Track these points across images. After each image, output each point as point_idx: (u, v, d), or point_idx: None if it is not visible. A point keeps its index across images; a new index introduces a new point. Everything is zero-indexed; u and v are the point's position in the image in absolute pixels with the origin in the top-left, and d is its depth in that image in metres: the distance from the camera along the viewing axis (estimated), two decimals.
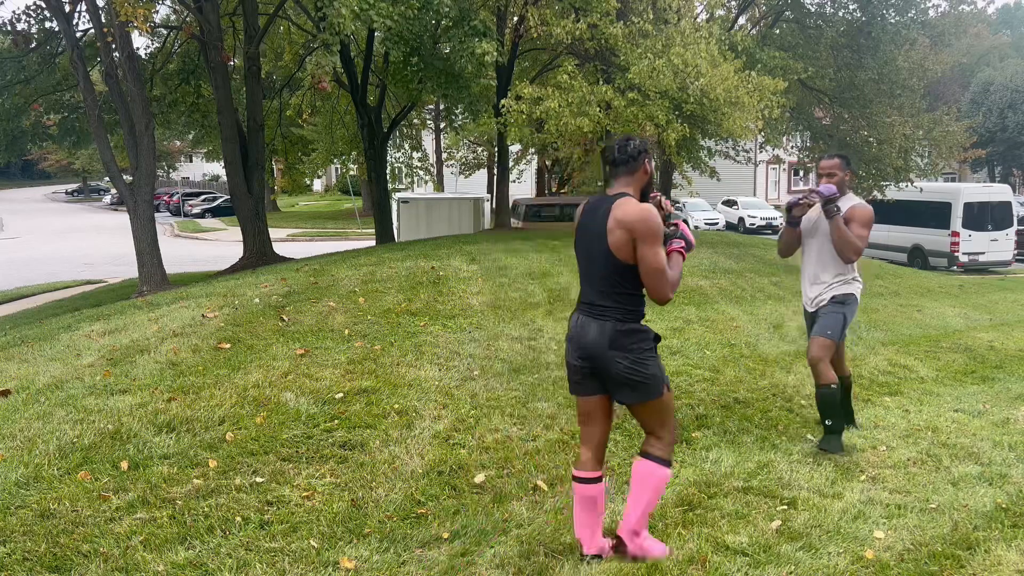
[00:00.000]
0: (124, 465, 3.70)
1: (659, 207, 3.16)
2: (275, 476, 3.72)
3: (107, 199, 53.23)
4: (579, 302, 3.19)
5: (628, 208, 3.00)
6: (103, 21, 12.69)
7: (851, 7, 15.82)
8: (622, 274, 3.03)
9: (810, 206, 4.47)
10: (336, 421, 4.36)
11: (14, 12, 15.83)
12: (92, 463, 3.72)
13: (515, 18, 16.18)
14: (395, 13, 10.51)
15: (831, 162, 4.43)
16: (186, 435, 4.07)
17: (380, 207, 18.07)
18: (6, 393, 4.74)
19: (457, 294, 7.51)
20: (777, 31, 16.67)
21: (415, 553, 3.14)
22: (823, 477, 3.98)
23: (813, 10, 16.40)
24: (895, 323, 8.43)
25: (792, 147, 19.45)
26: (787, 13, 16.36)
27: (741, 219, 30.67)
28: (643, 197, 3.16)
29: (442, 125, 28.64)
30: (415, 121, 25.10)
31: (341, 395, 4.73)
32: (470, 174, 32.84)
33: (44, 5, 14.32)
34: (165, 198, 44.17)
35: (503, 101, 12.37)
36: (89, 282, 18.14)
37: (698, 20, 13.82)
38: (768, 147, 17.91)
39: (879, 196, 16.80)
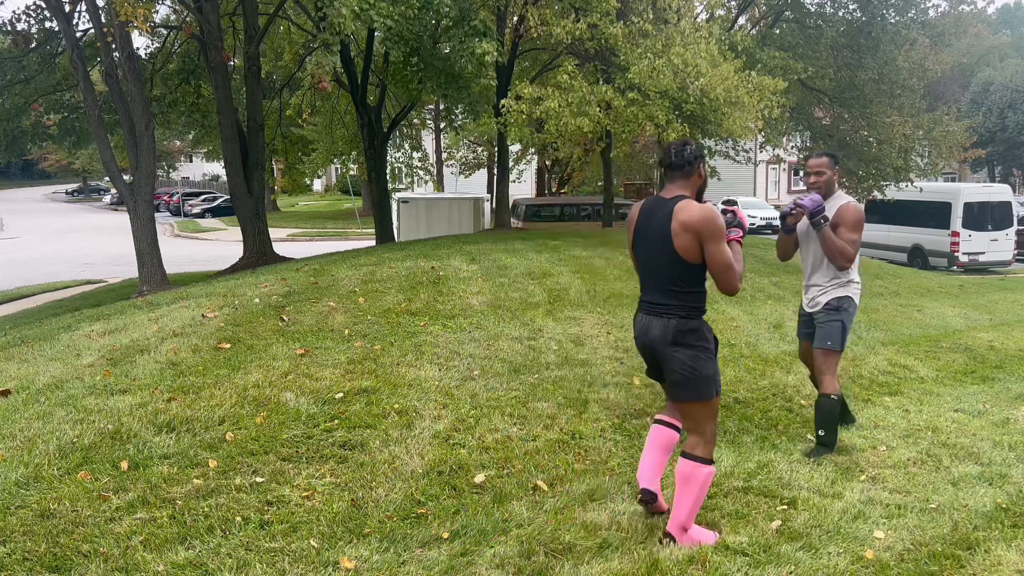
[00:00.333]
0: (124, 465, 3.70)
1: None
2: (275, 476, 3.72)
3: (107, 199, 53.26)
4: (641, 301, 3.36)
5: (692, 211, 3.14)
6: (103, 21, 12.69)
7: (851, 7, 15.81)
8: (686, 274, 3.19)
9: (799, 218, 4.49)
10: (336, 421, 4.36)
11: (14, 12, 15.81)
12: (92, 463, 3.72)
13: (515, 18, 16.18)
14: (395, 13, 10.50)
15: (819, 160, 4.44)
16: (186, 435, 4.07)
17: (380, 207, 18.07)
18: (6, 393, 4.74)
19: (457, 294, 7.51)
20: (777, 31, 16.66)
21: (415, 553, 3.14)
22: (823, 477, 3.98)
23: (813, 10, 16.39)
24: (895, 323, 8.43)
25: (792, 147, 19.45)
26: (787, 13, 16.35)
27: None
28: (697, 199, 3.29)
29: (442, 125, 28.63)
30: (415, 121, 25.11)
31: (341, 395, 4.73)
32: (470, 174, 32.84)
33: (44, 5, 14.31)
34: (165, 198, 44.18)
35: (503, 101, 12.37)
36: (89, 282, 18.14)
37: (698, 20, 13.82)
38: (768, 147, 17.89)
39: (879, 196, 16.81)
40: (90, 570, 2.90)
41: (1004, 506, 3.63)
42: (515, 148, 24.92)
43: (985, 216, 19.16)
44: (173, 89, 17.26)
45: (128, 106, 13.03)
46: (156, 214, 14.93)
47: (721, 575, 3.01)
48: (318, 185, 60.21)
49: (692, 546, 3.19)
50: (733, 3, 17.51)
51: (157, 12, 16.31)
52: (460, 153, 32.02)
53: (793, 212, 4.44)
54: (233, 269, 14.66)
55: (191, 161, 63.78)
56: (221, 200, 40.89)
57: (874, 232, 20.36)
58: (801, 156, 18.96)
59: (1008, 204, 19.57)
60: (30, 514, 3.24)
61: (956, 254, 18.95)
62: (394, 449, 4.08)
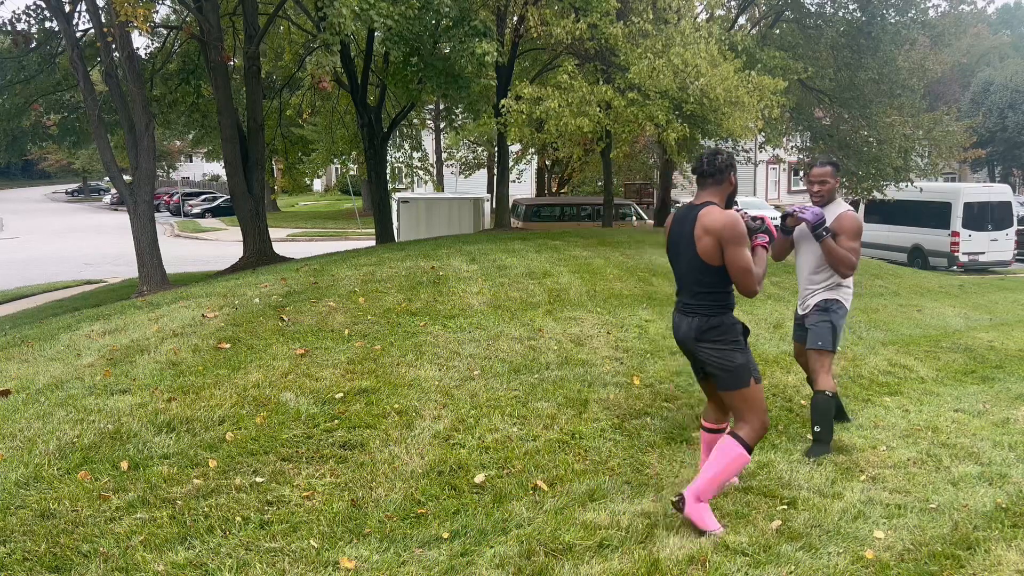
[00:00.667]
0: (124, 465, 3.70)
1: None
2: (275, 476, 3.72)
3: (107, 199, 53.26)
4: (676, 301, 3.64)
5: (714, 216, 3.36)
6: (103, 21, 12.68)
7: (851, 7, 15.81)
8: (709, 275, 3.41)
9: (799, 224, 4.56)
10: (336, 421, 4.36)
11: (14, 12, 15.79)
12: (92, 463, 3.72)
13: (515, 18, 16.19)
14: (395, 13, 10.50)
15: (822, 170, 4.54)
16: (186, 435, 4.07)
17: (380, 207, 18.07)
18: (6, 393, 4.74)
19: (457, 294, 7.51)
20: (777, 31, 16.67)
21: (415, 553, 3.14)
22: (823, 477, 3.98)
23: (813, 10, 16.39)
24: (895, 323, 8.43)
25: (792, 147, 19.45)
26: (787, 13, 16.36)
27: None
28: (727, 204, 3.51)
29: (442, 125, 28.64)
30: (415, 121, 25.10)
31: (341, 395, 4.73)
32: (470, 174, 32.84)
33: (44, 5, 14.31)
34: (165, 198, 44.18)
35: (503, 101, 12.37)
36: (89, 282, 18.14)
37: (698, 20, 13.82)
38: (768, 147, 17.91)
39: (879, 196, 16.81)
40: (90, 570, 2.90)
41: (1004, 506, 3.63)
42: (515, 148, 24.93)
43: (985, 216, 19.16)
44: (173, 89, 17.25)
45: (128, 106, 13.03)
46: (156, 214, 14.93)
47: (721, 575, 3.01)
48: (318, 185, 60.20)
49: (693, 520, 3.34)
50: (733, 3, 17.51)
51: (157, 12, 16.30)
52: (460, 153, 32.02)
53: (795, 214, 4.48)
54: (233, 269, 14.66)
55: (191, 161, 63.75)
56: (221, 200, 40.89)
57: (874, 232, 20.37)
58: (801, 156, 18.97)
59: (1008, 204, 19.57)
60: (30, 514, 3.24)
61: (956, 254, 18.95)
62: (394, 449, 4.08)
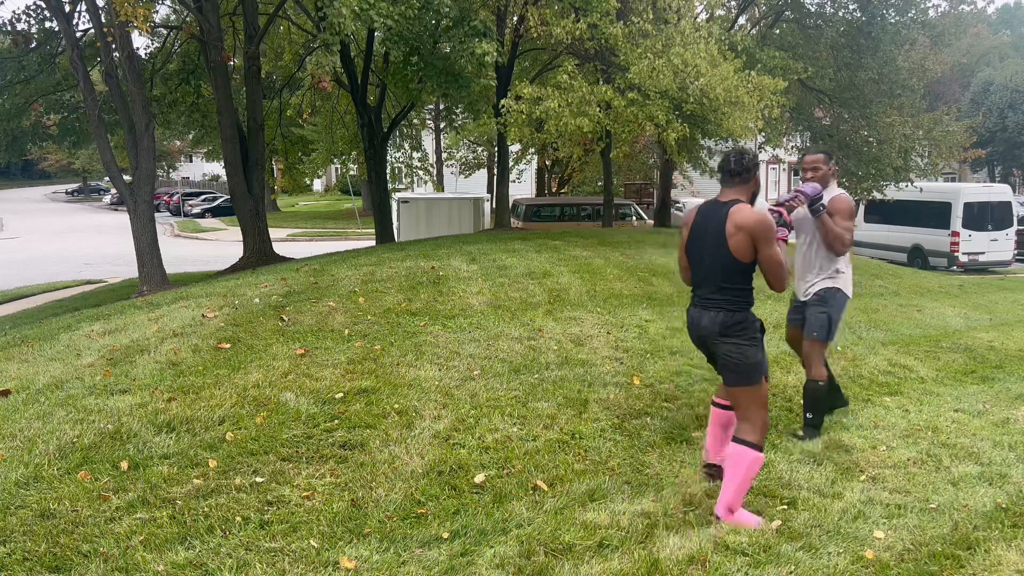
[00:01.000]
0: (124, 465, 3.70)
1: None
2: (275, 476, 3.72)
3: (107, 199, 53.25)
4: (693, 296, 3.71)
5: (746, 214, 3.44)
6: (103, 21, 12.68)
7: (851, 7, 15.82)
8: (737, 272, 3.49)
9: (798, 206, 4.57)
10: (336, 421, 4.36)
11: (14, 12, 15.80)
12: (92, 463, 3.72)
13: (515, 18, 16.19)
14: (395, 13, 10.50)
15: (815, 156, 4.65)
16: (186, 435, 4.07)
17: (380, 207, 18.07)
18: (6, 393, 4.74)
19: (457, 294, 7.51)
20: (777, 31, 16.67)
21: (415, 553, 3.14)
22: (823, 477, 3.98)
23: (813, 10, 16.40)
24: (895, 323, 8.43)
25: (792, 147, 19.46)
26: (787, 13, 16.36)
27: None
28: (751, 203, 3.58)
29: (442, 125, 28.63)
30: (415, 121, 25.10)
31: (341, 395, 4.73)
32: (470, 174, 32.84)
33: (44, 5, 14.31)
34: (165, 198, 44.17)
35: (503, 101, 12.37)
36: (89, 282, 18.14)
37: (698, 20, 13.82)
38: (768, 147, 17.92)
39: (879, 196, 16.81)
40: (90, 570, 2.90)
41: (1004, 506, 3.63)
42: (515, 148, 24.93)
43: (985, 216, 19.16)
44: (173, 89, 17.25)
45: (128, 106, 13.03)
46: (156, 214, 14.93)
47: (721, 575, 3.01)
48: (318, 185, 60.20)
49: (736, 525, 3.36)
50: (733, 3, 17.52)
51: (157, 12, 16.30)
52: (460, 153, 32.02)
53: (789, 203, 4.48)
54: (233, 269, 14.66)
55: (191, 161, 63.74)
56: (221, 200, 40.89)
57: (874, 232, 20.38)
58: (801, 156, 18.96)
59: (1008, 204, 19.57)
60: (30, 514, 3.24)
61: (956, 254, 18.95)
62: (394, 449, 4.08)
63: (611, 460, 4.16)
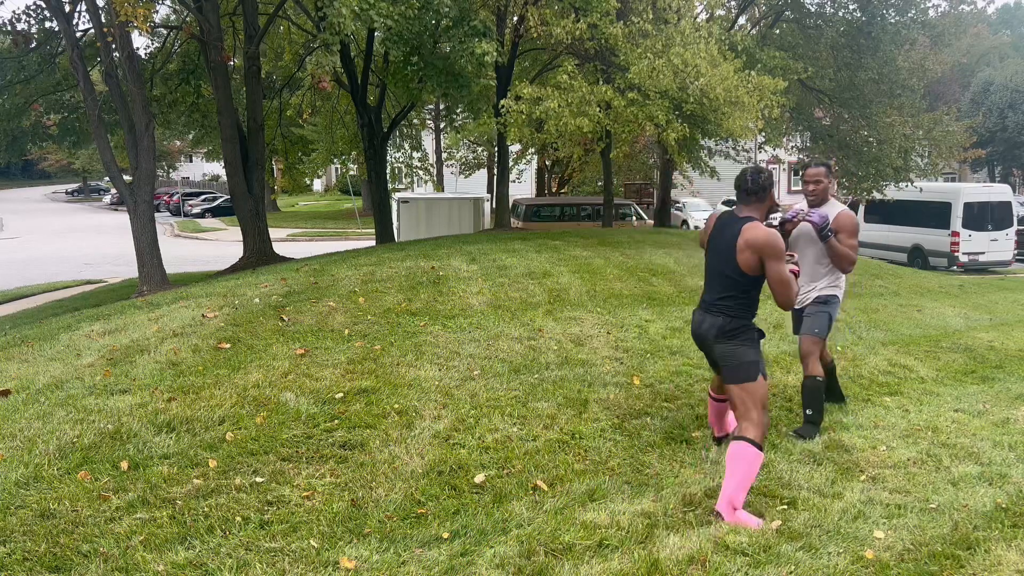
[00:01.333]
0: (124, 465, 3.70)
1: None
2: (275, 476, 3.72)
3: (107, 199, 53.24)
4: (701, 299, 3.94)
5: (757, 233, 3.64)
6: (103, 21, 12.68)
7: (851, 7, 15.81)
8: (742, 283, 3.71)
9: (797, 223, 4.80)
10: (336, 421, 4.36)
11: (14, 12, 15.78)
12: (92, 463, 3.72)
13: (515, 18, 16.19)
14: (395, 13, 10.50)
15: (816, 170, 4.84)
16: (186, 435, 4.07)
17: (380, 207, 18.07)
18: (6, 393, 4.74)
19: (457, 294, 7.51)
20: (777, 31, 16.67)
21: (415, 553, 3.14)
22: (823, 477, 3.98)
23: (813, 10, 16.39)
24: (895, 323, 8.43)
25: (792, 147, 19.45)
26: (787, 13, 16.35)
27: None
28: (764, 217, 3.86)
29: (442, 125, 28.64)
30: (415, 121, 25.10)
31: (341, 395, 4.74)
32: (470, 174, 32.84)
33: (44, 5, 14.31)
34: (165, 198, 44.17)
35: (503, 101, 12.37)
36: (89, 282, 18.14)
37: (698, 20, 13.82)
38: (768, 147, 17.91)
39: (879, 196, 16.81)
40: (90, 570, 2.90)
41: (1004, 506, 3.63)
42: (515, 148, 24.92)
43: (985, 216, 19.16)
44: (173, 89, 17.25)
45: (128, 106, 13.03)
46: (156, 214, 14.92)
47: (721, 575, 3.01)
48: (318, 185, 60.20)
49: (737, 525, 3.41)
50: (733, 3, 17.51)
51: (157, 12, 16.29)
52: (460, 153, 32.01)
53: (794, 219, 4.67)
54: (233, 269, 14.66)
55: (191, 161, 63.74)
56: (221, 200, 40.89)
57: (874, 232, 20.38)
58: (801, 156, 18.97)
59: (1008, 204, 19.57)
60: (30, 514, 3.24)
61: (956, 254, 18.95)
62: (394, 449, 4.08)
63: (611, 460, 4.16)
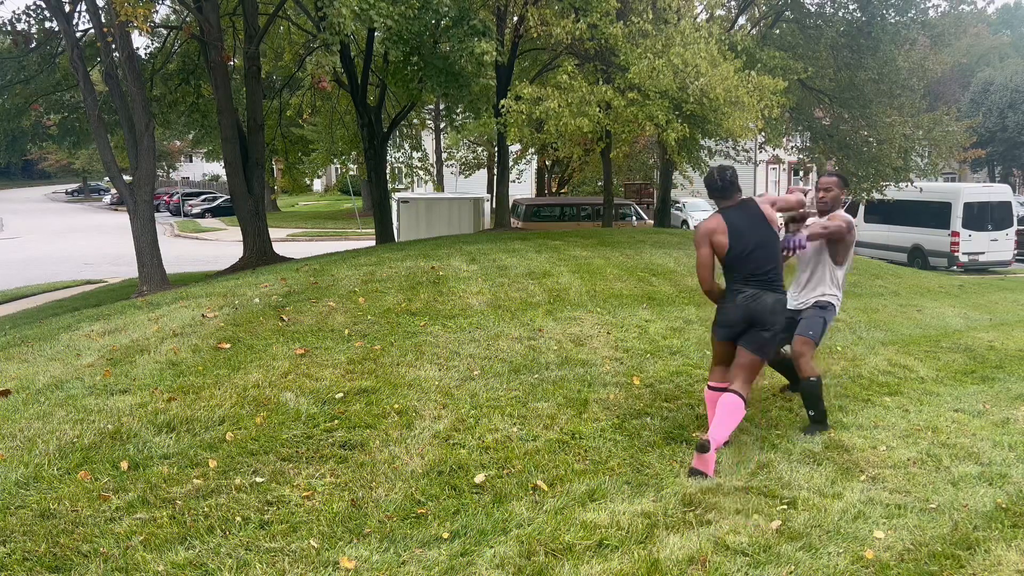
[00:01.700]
0: (124, 465, 3.70)
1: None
2: (275, 476, 3.72)
3: (107, 199, 53.24)
4: (757, 281, 4.32)
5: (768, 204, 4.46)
6: (103, 21, 12.67)
7: (851, 7, 15.80)
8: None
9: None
10: (336, 421, 4.36)
11: (14, 12, 15.78)
12: (92, 463, 3.72)
13: (515, 18, 16.19)
14: (395, 13, 10.49)
15: (830, 179, 5.08)
16: (186, 435, 4.08)
17: (380, 207, 18.08)
18: (6, 393, 4.74)
19: (457, 294, 7.51)
20: (777, 31, 16.66)
21: (415, 553, 3.14)
22: (823, 477, 3.98)
23: (813, 10, 16.39)
24: (895, 323, 8.43)
25: (792, 147, 19.45)
26: (787, 13, 16.35)
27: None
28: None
29: (442, 125, 28.64)
30: (415, 121, 25.11)
31: (341, 395, 4.74)
32: (470, 174, 32.85)
33: (44, 5, 14.30)
34: (165, 198, 44.17)
35: (503, 101, 12.37)
36: (89, 282, 18.14)
37: (698, 20, 13.82)
38: (768, 147, 17.91)
39: (879, 196, 16.81)
40: (90, 570, 2.90)
41: (1004, 506, 3.63)
42: (515, 148, 24.93)
43: (985, 216, 19.16)
44: (173, 89, 17.24)
45: (128, 106, 13.03)
46: (156, 214, 14.92)
47: (721, 575, 3.01)
48: (318, 185, 60.21)
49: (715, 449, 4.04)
50: (733, 3, 17.52)
51: (157, 12, 16.28)
52: (460, 153, 32.02)
53: (787, 254, 4.81)
54: (233, 269, 14.66)
55: (191, 161, 63.77)
56: (221, 200, 40.90)
57: (874, 232, 20.39)
58: (801, 156, 18.97)
59: (1008, 204, 19.57)
60: (30, 514, 3.24)
61: (956, 254, 18.95)
62: (394, 449, 4.08)
63: (611, 460, 4.16)
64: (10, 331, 8.36)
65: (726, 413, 4.18)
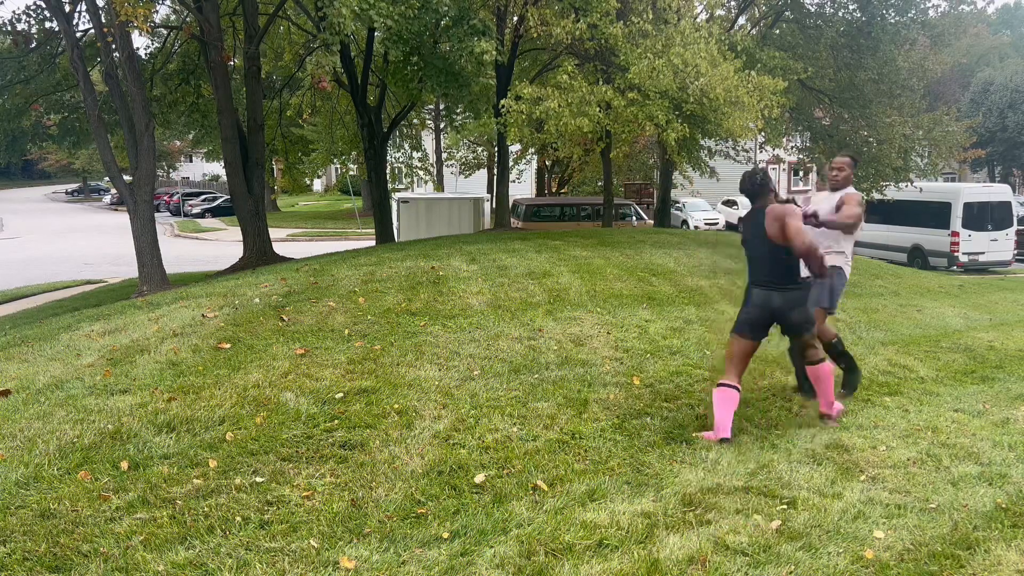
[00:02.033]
0: (124, 465, 3.70)
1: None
2: (275, 476, 3.72)
3: (107, 199, 53.24)
4: (761, 282, 4.74)
5: (774, 208, 4.67)
6: (103, 21, 12.68)
7: (851, 7, 15.80)
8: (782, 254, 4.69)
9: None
10: (336, 421, 4.36)
11: (14, 12, 15.78)
12: (92, 463, 3.72)
13: (515, 18, 16.20)
14: (395, 13, 10.49)
15: (843, 159, 5.47)
16: (186, 435, 4.08)
17: (380, 207, 18.08)
18: (6, 393, 4.74)
19: (457, 294, 7.51)
20: (777, 31, 16.66)
21: (415, 553, 3.14)
22: (823, 477, 3.98)
23: (813, 10, 16.39)
24: (895, 323, 8.43)
25: (792, 147, 19.45)
26: (787, 13, 16.35)
27: (741, 219, 30.61)
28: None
29: (442, 125, 28.64)
30: (415, 121, 25.11)
31: (341, 395, 4.74)
32: (470, 174, 32.84)
33: (44, 5, 14.30)
34: (165, 198, 44.17)
35: (503, 101, 12.37)
36: (89, 282, 18.14)
37: (698, 20, 13.82)
38: (768, 147, 17.90)
39: (879, 196, 16.80)
40: (90, 570, 2.90)
41: (1004, 506, 3.63)
42: (515, 148, 24.93)
43: (985, 216, 19.16)
44: (173, 89, 17.25)
45: (128, 106, 13.03)
46: (156, 214, 14.92)
47: (721, 575, 3.01)
48: (318, 185, 60.21)
49: (836, 420, 4.80)
50: (733, 3, 17.52)
51: (157, 12, 16.28)
52: (460, 153, 32.02)
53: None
54: (233, 269, 14.66)
55: (191, 161, 63.76)
56: (221, 200, 40.89)
57: (874, 232, 20.38)
58: (801, 156, 18.97)
59: (1008, 204, 19.57)
60: (30, 514, 3.24)
61: (956, 254, 18.95)
62: (394, 449, 4.08)
63: (611, 460, 4.16)
64: (10, 331, 8.36)
65: (821, 379, 4.74)
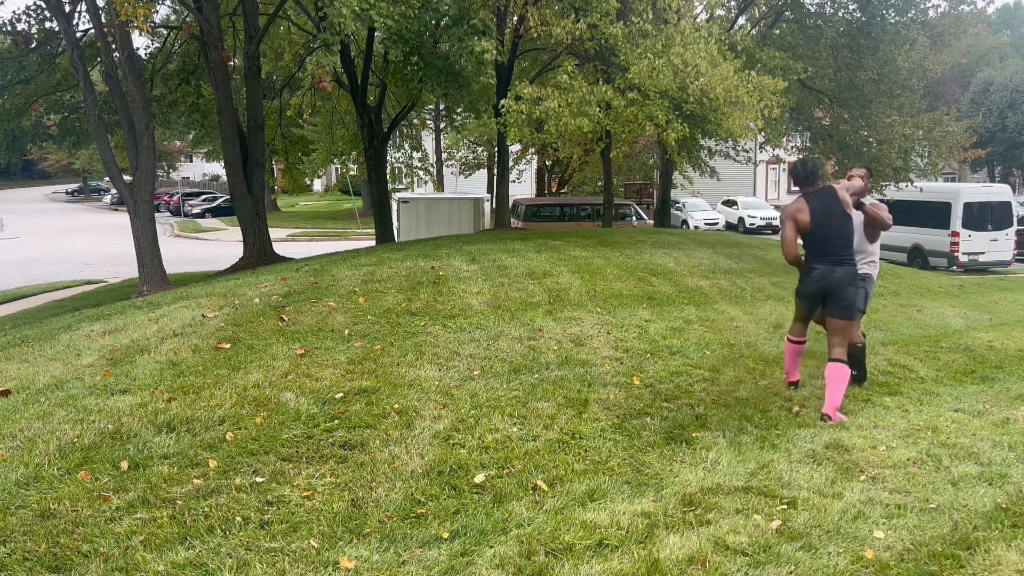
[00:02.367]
0: (124, 465, 3.70)
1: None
2: (275, 476, 3.72)
3: (107, 199, 53.25)
4: (825, 258, 5.04)
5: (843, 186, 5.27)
6: (103, 21, 12.67)
7: (851, 7, 15.80)
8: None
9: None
10: (336, 421, 4.36)
11: (14, 12, 15.77)
12: (92, 463, 3.72)
13: (515, 18, 16.20)
14: (395, 13, 10.49)
15: (859, 171, 5.75)
16: (186, 435, 4.08)
17: (380, 207, 18.07)
18: (6, 393, 4.74)
19: (457, 294, 7.51)
20: (777, 31, 16.65)
21: (415, 553, 3.14)
22: (823, 477, 3.98)
23: (813, 10, 16.38)
24: (895, 323, 8.43)
25: (792, 147, 19.44)
26: (787, 13, 16.34)
27: (741, 219, 30.65)
28: None
29: (442, 125, 28.65)
30: (415, 121, 25.10)
31: (341, 395, 4.74)
32: (470, 174, 32.84)
33: (44, 5, 14.30)
34: (165, 198, 44.17)
35: (503, 101, 12.37)
36: (89, 282, 18.14)
37: (698, 20, 13.82)
38: (768, 147, 17.91)
39: (878, 196, 16.79)
40: (90, 570, 2.90)
41: (1004, 506, 3.63)
42: (515, 148, 24.93)
43: (985, 216, 19.15)
44: (173, 89, 17.24)
45: (128, 106, 13.02)
46: (156, 214, 14.92)
47: (721, 575, 3.01)
48: (318, 185, 60.21)
49: (837, 422, 4.81)
50: (733, 3, 17.51)
51: (157, 12, 16.28)
52: (460, 153, 32.03)
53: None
54: (233, 269, 14.66)
55: (191, 161, 63.76)
56: (221, 200, 40.90)
57: None
58: (801, 156, 18.97)
59: (1008, 204, 19.56)
60: (30, 514, 3.24)
61: (956, 254, 18.94)
62: (394, 449, 4.08)
63: (611, 460, 4.16)
64: (10, 331, 8.36)
65: (835, 379, 4.88)
